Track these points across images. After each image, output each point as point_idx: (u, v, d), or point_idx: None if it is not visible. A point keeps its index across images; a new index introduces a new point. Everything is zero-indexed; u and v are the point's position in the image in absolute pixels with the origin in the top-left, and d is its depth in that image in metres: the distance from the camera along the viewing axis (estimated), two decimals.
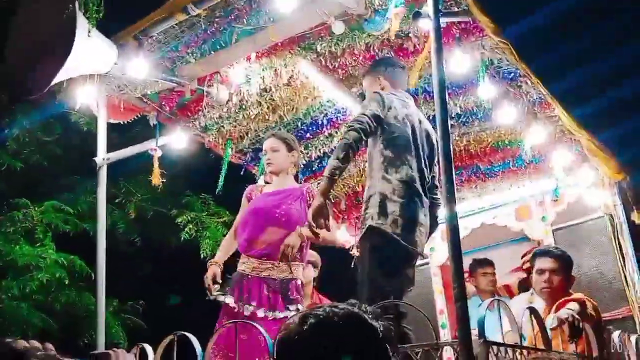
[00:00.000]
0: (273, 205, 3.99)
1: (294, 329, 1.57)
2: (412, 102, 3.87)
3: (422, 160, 3.66)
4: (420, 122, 3.76)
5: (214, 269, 3.96)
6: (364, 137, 3.46)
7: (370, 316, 1.58)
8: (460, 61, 3.98)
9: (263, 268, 3.87)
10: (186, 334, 2.90)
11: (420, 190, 3.59)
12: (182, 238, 8.98)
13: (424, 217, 3.63)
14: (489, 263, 5.79)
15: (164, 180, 4.81)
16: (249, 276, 3.87)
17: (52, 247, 8.21)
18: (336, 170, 3.38)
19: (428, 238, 3.81)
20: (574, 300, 3.51)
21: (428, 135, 3.77)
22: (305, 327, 1.55)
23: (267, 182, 4.33)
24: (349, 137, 3.40)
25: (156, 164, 4.71)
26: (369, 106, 3.56)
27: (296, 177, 4.29)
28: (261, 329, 2.76)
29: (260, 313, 3.74)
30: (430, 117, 5.09)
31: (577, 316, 3.10)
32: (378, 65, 3.95)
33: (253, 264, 3.90)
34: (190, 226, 8.73)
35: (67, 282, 8.24)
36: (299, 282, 3.92)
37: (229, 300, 3.83)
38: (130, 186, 9.04)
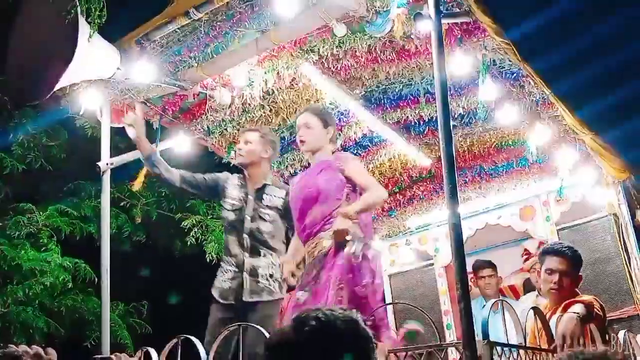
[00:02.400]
0: (304, 186, 3.86)
1: (290, 334, 1.56)
2: None
3: None
4: None
5: (287, 267, 3.81)
6: None
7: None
8: (462, 62, 3.98)
9: (311, 249, 3.72)
10: (190, 337, 2.92)
11: None
12: (187, 242, 9.00)
13: None
14: (485, 266, 5.76)
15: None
16: (307, 264, 3.75)
17: (57, 251, 8.24)
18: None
19: None
20: (581, 302, 3.45)
21: None
22: (307, 330, 1.53)
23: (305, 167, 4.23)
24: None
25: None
26: None
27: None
28: (264, 330, 2.77)
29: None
30: (433, 119, 5.11)
31: (576, 336, 3.06)
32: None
33: (308, 250, 3.76)
34: (195, 230, 8.74)
35: (72, 286, 8.27)
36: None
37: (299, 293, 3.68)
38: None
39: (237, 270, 4.25)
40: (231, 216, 4.36)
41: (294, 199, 3.98)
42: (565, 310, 3.38)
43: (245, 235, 4.27)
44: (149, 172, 4.62)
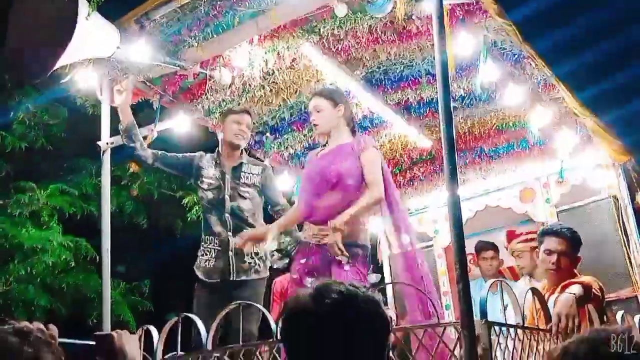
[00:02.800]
0: (323, 168, 3.79)
1: (309, 304, 1.55)
2: None
3: None
4: None
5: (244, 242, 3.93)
6: None
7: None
8: (463, 43, 3.95)
9: (323, 235, 3.63)
10: (190, 315, 2.94)
11: None
12: (189, 219, 9.03)
13: None
14: (488, 248, 5.77)
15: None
16: (310, 244, 3.72)
17: (58, 229, 8.27)
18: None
19: None
20: (579, 283, 3.45)
21: None
22: (327, 302, 1.51)
23: (324, 145, 4.04)
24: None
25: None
26: None
27: (353, 131, 3.98)
28: (268, 314, 2.78)
29: None
30: (434, 100, 5.10)
31: (571, 317, 3.07)
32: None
33: (313, 231, 3.72)
34: (197, 207, 8.77)
35: (73, 264, 8.32)
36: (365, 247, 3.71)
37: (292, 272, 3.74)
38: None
39: (220, 249, 4.25)
40: (209, 195, 4.36)
41: (309, 176, 3.92)
42: (563, 290, 3.39)
43: (226, 215, 4.28)
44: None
